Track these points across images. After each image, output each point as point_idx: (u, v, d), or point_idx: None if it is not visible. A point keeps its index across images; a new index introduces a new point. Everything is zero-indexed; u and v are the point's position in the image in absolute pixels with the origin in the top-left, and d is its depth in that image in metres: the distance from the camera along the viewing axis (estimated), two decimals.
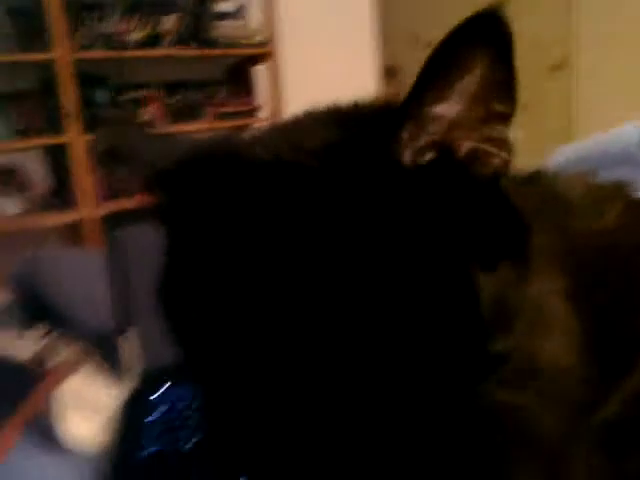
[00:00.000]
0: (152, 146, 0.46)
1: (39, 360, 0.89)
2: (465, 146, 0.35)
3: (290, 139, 0.39)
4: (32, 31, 2.56)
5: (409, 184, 0.35)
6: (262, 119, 3.12)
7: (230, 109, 3.11)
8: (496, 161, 0.35)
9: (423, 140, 0.35)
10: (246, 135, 0.44)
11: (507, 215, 0.36)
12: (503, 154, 0.35)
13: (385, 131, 0.35)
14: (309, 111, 0.43)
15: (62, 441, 0.69)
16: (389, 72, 3.40)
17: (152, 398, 0.77)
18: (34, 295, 0.99)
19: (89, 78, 2.74)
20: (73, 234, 2.83)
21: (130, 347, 0.85)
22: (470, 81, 0.33)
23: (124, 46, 2.75)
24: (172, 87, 3.05)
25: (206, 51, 2.92)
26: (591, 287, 0.43)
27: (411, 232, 0.34)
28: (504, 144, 0.35)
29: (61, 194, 2.83)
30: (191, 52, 2.90)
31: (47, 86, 2.70)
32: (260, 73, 3.23)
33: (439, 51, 0.33)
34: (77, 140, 2.63)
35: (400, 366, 0.34)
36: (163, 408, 0.74)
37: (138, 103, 2.97)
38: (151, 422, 0.72)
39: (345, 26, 3.32)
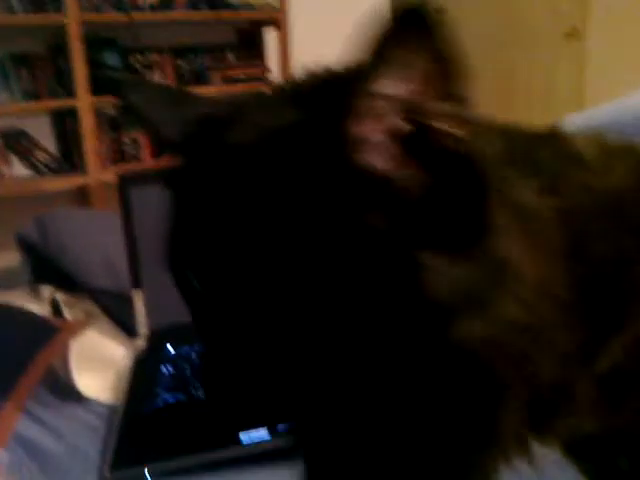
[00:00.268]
0: (159, 111, 0.47)
1: (52, 317, 0.91)
2: (418, 127, 0.35)
3: (261, 119, 0.41)
4: None
5: (359, 168, 0.36)
6: (272, 83, 3.10)
7: (240, 73, 3.10)
8: (453, 139, 0.36)
9: (375, 121, 0.36)
10: (239, 104, 0.45)
11: (465, 193, 0.37)
12: (460, 132, 0.35)
13: (334, 114, 0.36)
14: (282, 84, 0.46)
15: (77, 393, 0.71)
16: None
17: (164, 352, 0.79)
18: (44, 255, 1.01)
19: (99, 41, 2.73)
20: (81, 197, 2.85)
21: (141, 303, 0.87)
22: (411, 64, 0.34)
23: (135, 9, 2.73)
24: (182, 51, 3.04)
25: (217, 14, 2.90)
26: (592, 240, 0.44)
27: (356, 216, 0.36)
28: (461, 122, 0.35)
29: (69, 157, 2.84)
30: (202, 15, 2.88)
31: (56, 49, 2.69)
32: (270, 37, 3.21)
33: (375, 41, 0.34)
34: (86, 103, 2.62)
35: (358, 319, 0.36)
36: (175, 361, 0.76)
37: (148, 66, 2.96)
38: (165, 374, 0.74)
39: None
